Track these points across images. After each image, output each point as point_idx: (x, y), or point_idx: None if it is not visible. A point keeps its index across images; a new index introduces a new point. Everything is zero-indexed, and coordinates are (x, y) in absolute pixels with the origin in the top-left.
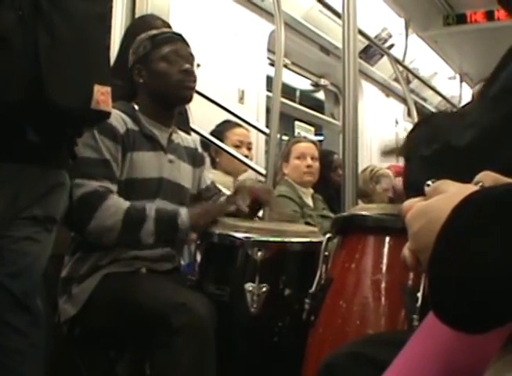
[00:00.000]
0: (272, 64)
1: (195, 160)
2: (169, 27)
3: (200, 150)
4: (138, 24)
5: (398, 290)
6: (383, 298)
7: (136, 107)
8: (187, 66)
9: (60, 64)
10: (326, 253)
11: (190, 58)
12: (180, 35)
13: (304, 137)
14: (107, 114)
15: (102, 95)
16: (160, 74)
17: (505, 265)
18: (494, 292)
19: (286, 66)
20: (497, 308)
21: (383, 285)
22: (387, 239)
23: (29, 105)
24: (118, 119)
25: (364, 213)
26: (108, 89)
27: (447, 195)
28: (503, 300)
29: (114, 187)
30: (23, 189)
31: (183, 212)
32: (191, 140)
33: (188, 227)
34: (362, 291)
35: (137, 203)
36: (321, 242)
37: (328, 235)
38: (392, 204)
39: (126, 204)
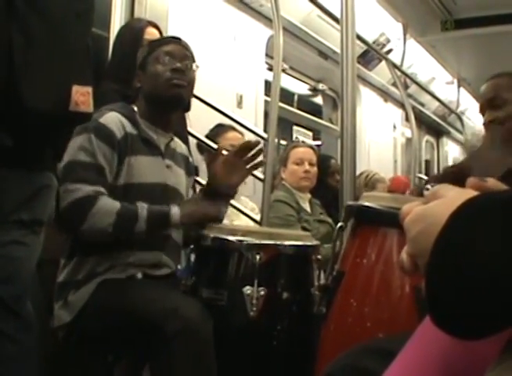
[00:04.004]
0: (270, 69)
1: (188, 168)
2: (156, 26)
3: (191, 160)
4: (125, 30)
5: (411, 291)
6: (395, 300)
7: (136, 110)
8: (177, 64)
9: (35, 66)
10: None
11: (185, 58)
12: (177, 38)
13: (303, 142)
14: (88, 116)
15: (81, 95)
16: (152, 75)
17: (504, 271)
18: (492, 298)
19: (284, 70)
20: (495, 314)
21: (395, 285)
22: (401, 233)
23: (1, 108)
24: (117, 123)
25: (377, 206)
26: (89, 89)
27: (446, 199)
28: (502, 306)
29: (105, 192)
30: (8, 194)
31: (174, 211)
32: (185, 148)
33: (179, 226)
34: (374, 291)
35: (128, 204)
36: (315, 246)
37: (340, 224)
38: (407, 196)
39: (117, 205)
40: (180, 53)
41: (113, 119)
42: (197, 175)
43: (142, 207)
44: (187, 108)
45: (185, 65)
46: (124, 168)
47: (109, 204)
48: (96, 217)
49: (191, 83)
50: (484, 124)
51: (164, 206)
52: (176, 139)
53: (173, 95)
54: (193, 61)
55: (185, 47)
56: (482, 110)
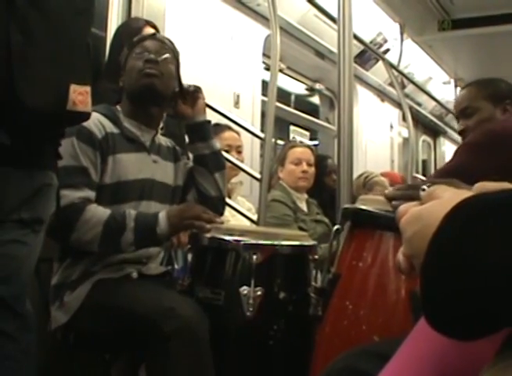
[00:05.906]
0: (267, 68)
1: (175, 155)
2: (154, 26)
3: (176, 147)
4: (123, 29)
5: (407, 294)
6: (390, 303)
7: (119, 109)
8: (150, 56)
9: (33, 64)
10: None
11: (160, 51)
12: (153, 34)
13: (301, 142)
14: (86, 115)
15: (79, 95)
16: (128, 70)
17: (500, 272)
18: (488, 298)
19: (281, 70)
20: (491, 315)
21: (391, 289)
22: (397, 237)
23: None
24: (97, 124)
25: (373, 209)
26: (87, 89)
27: (442, 200)
28: (497, 307)
29: (93, 194)
30: (8, 193)
31: (161, 218)
32: (167, 140)
33: (167, 233)
34: (369, 294)
35: (117, 211)
36: (312, 246)
37: (336, 226)
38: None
39: (105, 215)
40: (155, 47)
41: (92, 120)
42: None
43: (130, 216)
44: (169, 103)
45: (160, 56)
46: (108, 167)
47: (97, 214)
48: (83, 229)
49: (166, 73)
50: (458, 133)
51: (153, 213)
52: (160, 136)
53: (144, 85)
54: (174, 55)
55: (162, 41)
56: (458, 120)
